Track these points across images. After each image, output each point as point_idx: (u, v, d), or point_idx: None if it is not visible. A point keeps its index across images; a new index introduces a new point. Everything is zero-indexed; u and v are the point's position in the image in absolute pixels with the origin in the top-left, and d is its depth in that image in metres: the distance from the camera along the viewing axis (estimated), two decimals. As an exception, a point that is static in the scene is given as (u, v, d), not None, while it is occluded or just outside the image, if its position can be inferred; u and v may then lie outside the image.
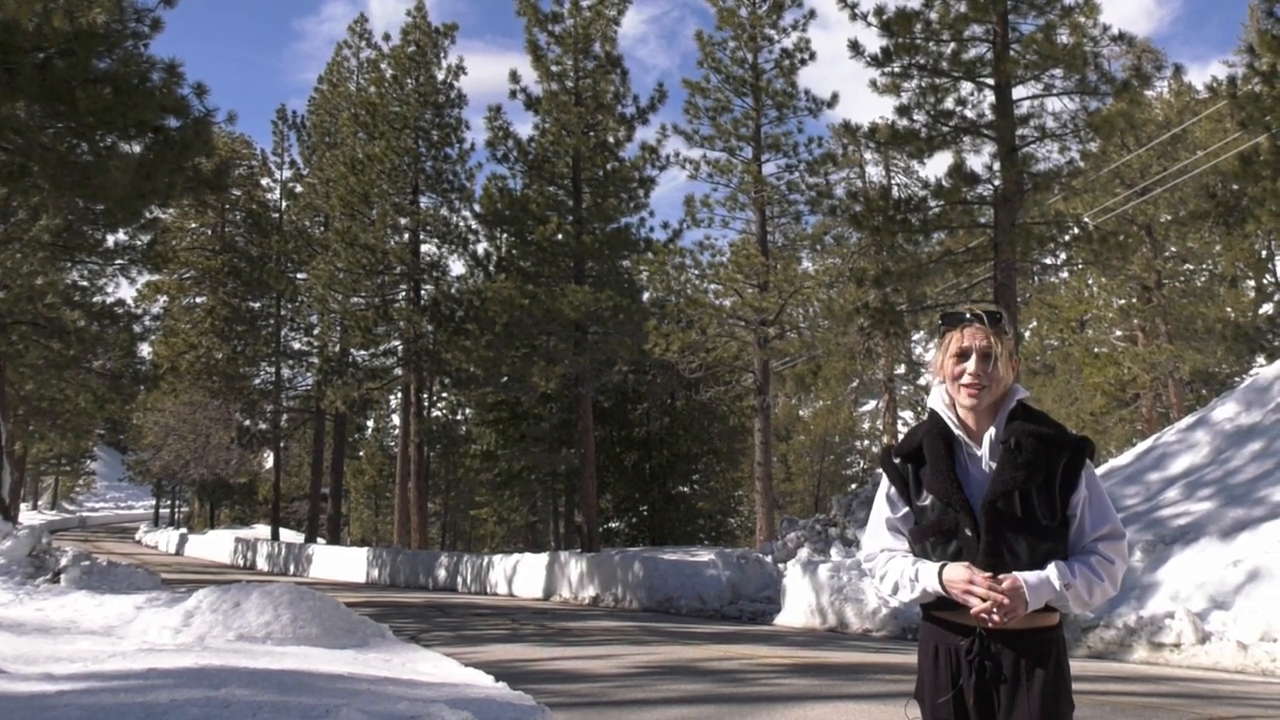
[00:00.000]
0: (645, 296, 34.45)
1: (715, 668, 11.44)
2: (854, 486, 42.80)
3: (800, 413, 58.73)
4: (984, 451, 3.02)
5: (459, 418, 53.02)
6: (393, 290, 39.89)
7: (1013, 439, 2.96)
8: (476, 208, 36.02)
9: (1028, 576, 2.87)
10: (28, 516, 45.08)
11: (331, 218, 42.86)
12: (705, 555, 23.56)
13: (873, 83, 22.58)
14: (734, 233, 32.54)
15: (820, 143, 31.22)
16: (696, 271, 30.73)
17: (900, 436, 3.36)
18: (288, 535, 51.09)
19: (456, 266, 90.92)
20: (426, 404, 42.00)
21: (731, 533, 45.64)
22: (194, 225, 51.98)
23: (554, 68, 32.73)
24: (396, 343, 39.57)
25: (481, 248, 36.88)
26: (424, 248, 39.96)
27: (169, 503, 76.78)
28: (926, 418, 3.18)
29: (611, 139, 32.96)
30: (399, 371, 40.23)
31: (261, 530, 56.15)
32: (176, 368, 48.78)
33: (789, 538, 21.32)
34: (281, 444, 55.80)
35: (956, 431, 3.06)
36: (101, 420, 50.99)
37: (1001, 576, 2.87)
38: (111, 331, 30.49)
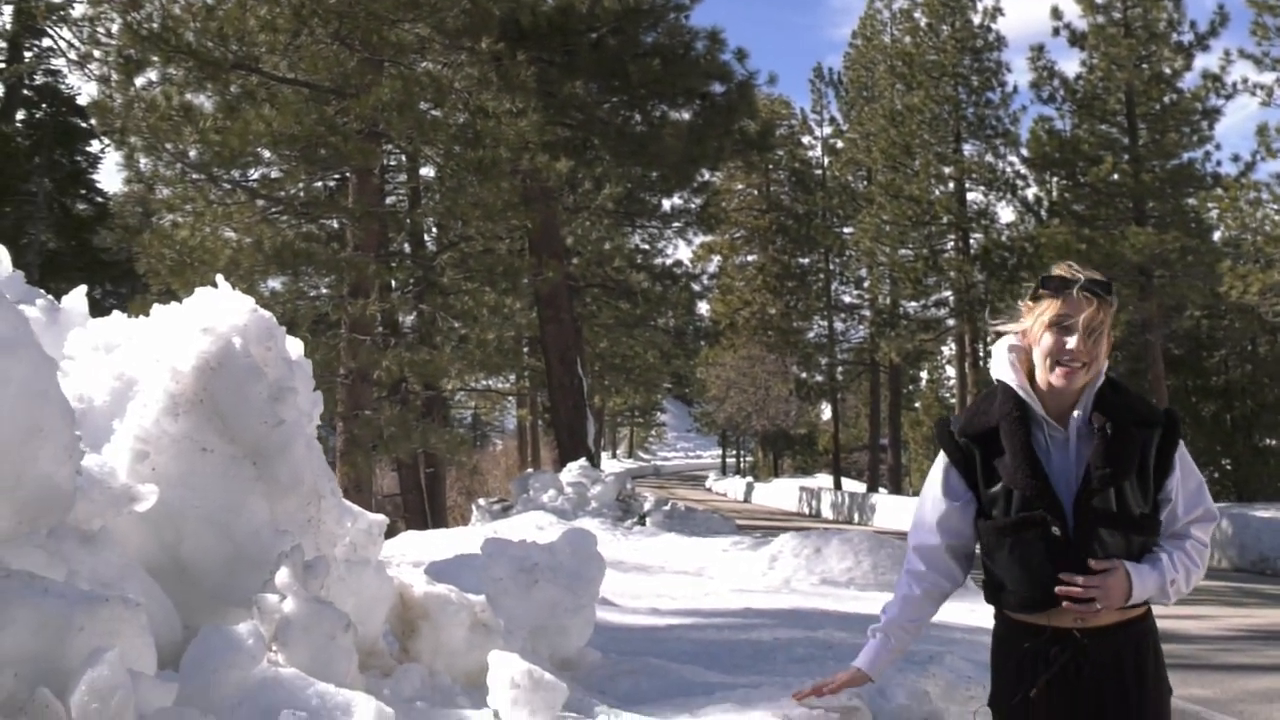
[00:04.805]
0: (1216, 236, 32.19)
1: (1330, 634, 10.57)
2: None
3: None
4: (1070, 434, 2.68)
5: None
6: (940, 240, 39.69)
7: (1108, 424, 2.65)
8: (1023, 152, 35.26)
9: (1131, 569, 2.60)
10: (608, 464, 49.06)
11: (874, 171, 43.30)
12: (1307, 512, 21.43)
13: None
14: (1317, 161, 29.23)
15: None
16: (1276, 206, 28.10)
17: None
18: (849, 485, 51.95)
19: (1005, 213, 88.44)
20: (981, 354, 41.27)
21: (1341, 489, 41.21)
22: (740, 186, 53.91)
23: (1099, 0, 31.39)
24: (947, 293, 39.34)
25: (1031, 193, 35.89)
26: (970, 196, 39.49)
27: (734, 452, 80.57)
28: (998, 391, 2.77)
29: (1168, 70, 31.33)
30: (951, 322, 39.95)
31: (823, 479, 57.48)
32: (734, 323, 50.94)
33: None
34: (838, 396, 56.99)
35: (1037, 410, 2.69)
36: (668, 374, 54.09)
37: (1099, 564, 2.58)
38: (672, 291, 32.42)
